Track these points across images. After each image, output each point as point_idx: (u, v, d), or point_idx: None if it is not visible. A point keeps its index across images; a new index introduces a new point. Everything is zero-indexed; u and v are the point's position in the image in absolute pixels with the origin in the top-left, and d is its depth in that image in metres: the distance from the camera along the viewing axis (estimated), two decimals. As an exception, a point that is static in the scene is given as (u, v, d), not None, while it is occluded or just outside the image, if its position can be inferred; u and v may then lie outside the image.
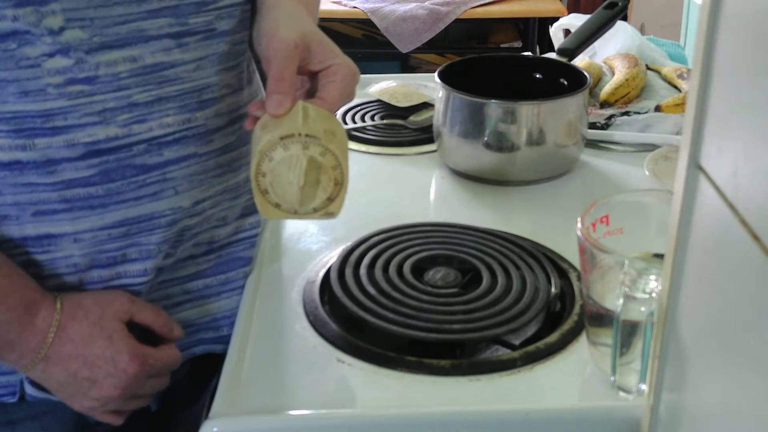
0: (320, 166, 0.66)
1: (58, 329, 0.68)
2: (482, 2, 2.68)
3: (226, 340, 0.80)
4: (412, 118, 1.19)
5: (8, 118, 0.65)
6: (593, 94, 1.20)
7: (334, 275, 0.78)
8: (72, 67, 0.65)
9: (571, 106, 0.99)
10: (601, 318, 0.63)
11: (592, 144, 1.09)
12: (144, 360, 0.71)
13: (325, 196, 0.68)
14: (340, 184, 0.67)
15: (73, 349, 0.69)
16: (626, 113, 1.14)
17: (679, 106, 1.12)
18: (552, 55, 1.12)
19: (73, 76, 0.65)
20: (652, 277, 0.55)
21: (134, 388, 0.71)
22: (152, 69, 0.68)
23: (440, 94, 1.02)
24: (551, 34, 1.44)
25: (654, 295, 0.55)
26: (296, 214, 0.68)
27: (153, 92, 0.69)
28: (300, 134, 0.65)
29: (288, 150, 0.65)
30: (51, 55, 0.64)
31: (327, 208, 0.68)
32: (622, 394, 0.61)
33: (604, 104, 1.18)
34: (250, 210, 0.83)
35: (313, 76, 0.70)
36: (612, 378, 0.60)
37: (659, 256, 0.53)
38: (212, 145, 0.74)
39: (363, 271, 0.78)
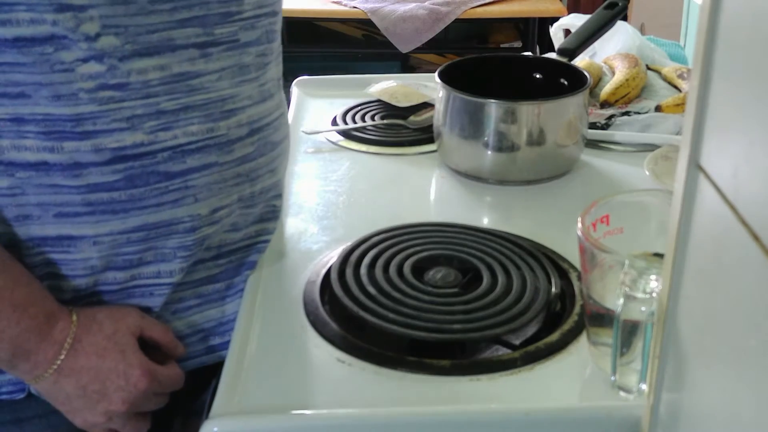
0: None
1: (74, 341, 0.69)
2: (482, 2, 2.68)
3: None
4: (412, 118, 1.19)
5: (39, 120, 0.66)
6: (593, 94, 1.20)
7: (334, 275, 0.78)
8: (104, 73, 0.65)
9: (571, 106, 0.99)
10: (601, 318, 0.63)
11: (592, 144, 1.09)
12: (154, 376, 0.72)
13: None
14: None
15: (87, 362, 0.69)
16: (626, 113, 1.14)
17: (679, 106, 1.12)
18: (552, 55, 1.12)
19: (104, 81, 0.66)
20: (652, 277, 0.55)
21: (140, 404, 0.72)
22: (180, 78, 0.69)
23: (440, 94, 1.02)
24: (551, 34, 1.44)
25: (654, 295, 0.55)
26: None
27: (180, 100, 0.70)
28: None
29: None
30: (85, 60, 0.64)
31: None
32: (622, 394, 0.61)
33: (604, 104, 1.18)
34: (263, 218, 0.83)
35: None
36: (612, 378, 0.60)
37: (659, 256, 0.53)
38: (232, 155, 0.75)
39: (363, 271, 0.78)
